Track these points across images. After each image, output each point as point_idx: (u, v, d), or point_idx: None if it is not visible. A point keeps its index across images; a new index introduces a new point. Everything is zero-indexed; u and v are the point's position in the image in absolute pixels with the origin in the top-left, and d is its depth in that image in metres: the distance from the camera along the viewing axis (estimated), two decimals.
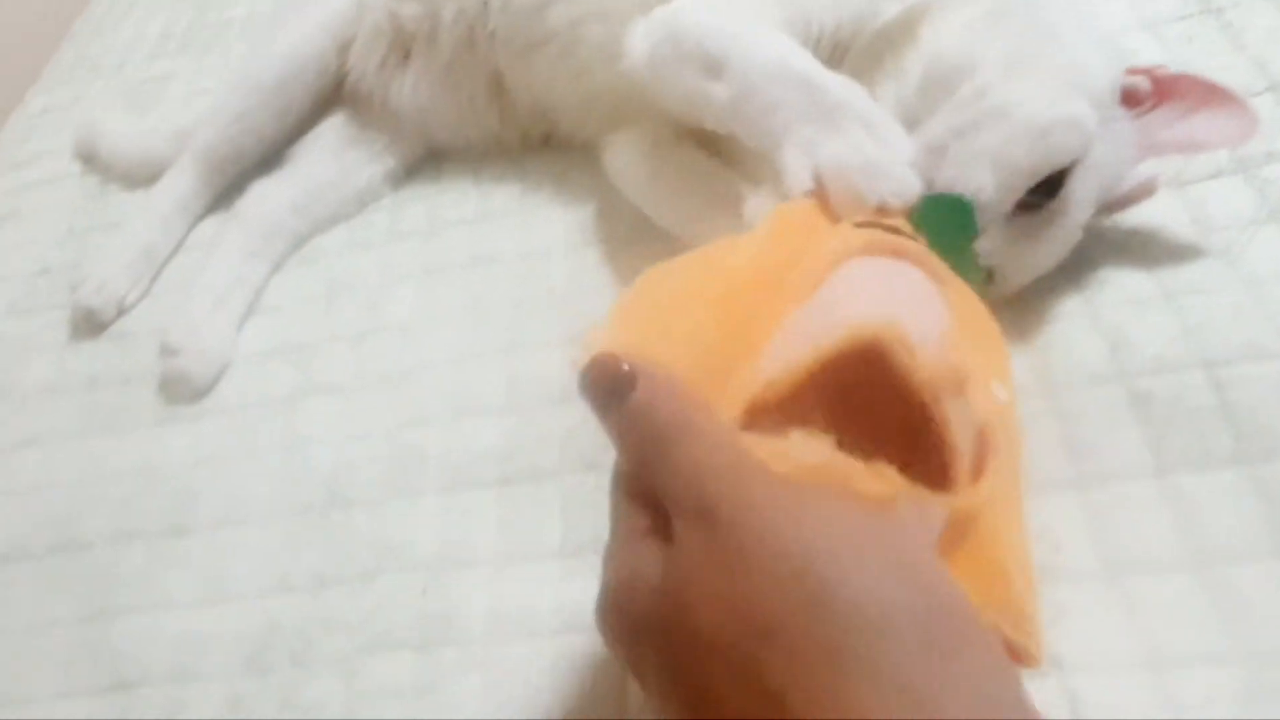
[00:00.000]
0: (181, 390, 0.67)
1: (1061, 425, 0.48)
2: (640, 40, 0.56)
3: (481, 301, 0.66)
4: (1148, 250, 0.53)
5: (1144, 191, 0.52)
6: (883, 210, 0.44)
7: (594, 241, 0.68)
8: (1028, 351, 0.51)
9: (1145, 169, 0.52)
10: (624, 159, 0.67)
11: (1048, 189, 0.48)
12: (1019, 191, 0.47)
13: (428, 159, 0.79)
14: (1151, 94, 0.51)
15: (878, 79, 0.54)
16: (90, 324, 0.73)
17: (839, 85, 0.49)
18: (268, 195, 0.76)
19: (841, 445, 0.32)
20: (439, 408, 0.60)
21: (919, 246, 0.42)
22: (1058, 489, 0.46)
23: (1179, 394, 0.47)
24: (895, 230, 0.43)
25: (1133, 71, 0.52)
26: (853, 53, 0.57)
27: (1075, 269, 0.53)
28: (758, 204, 0.53)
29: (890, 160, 0.45)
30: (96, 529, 0.61)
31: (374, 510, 0.57)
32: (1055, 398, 0.49)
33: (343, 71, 0.76)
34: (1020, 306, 0.53)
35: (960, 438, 0.34)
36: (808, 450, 0.31)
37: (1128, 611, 0.42)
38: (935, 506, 0.32)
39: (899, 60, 0.54)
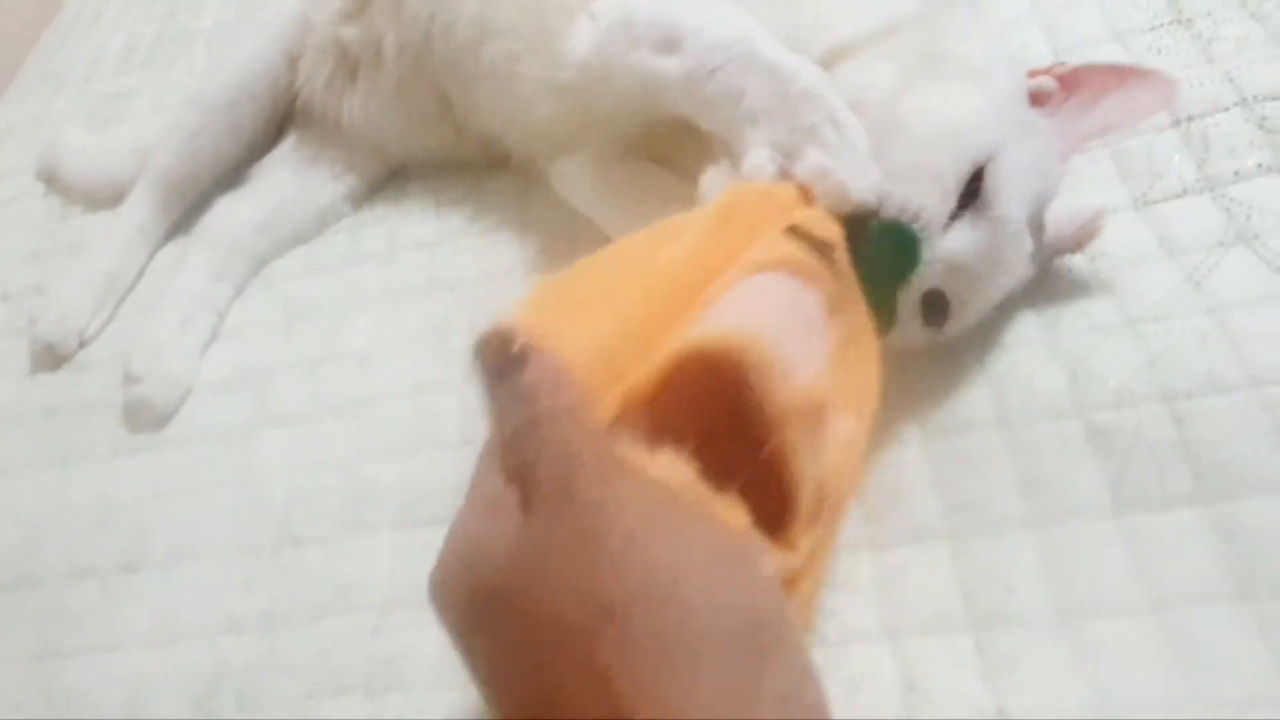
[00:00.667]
0: (144, 418, 0.66)
1: (1017, 460, 0.47)
2: (586, 33, 0.55)
3: (440, 329, 0.65)
4: (1112, 273, 0.52)
5: (1091, 230, 0.51)
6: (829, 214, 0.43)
7: (554, 265, 0.66)
8: (985, 381, 0.50)
9: (1087, 205, 0.52)
10: (571, 171, 0.65)
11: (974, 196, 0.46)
12: (951, 195, 0.46)
13: (390, 179, 0.78)
14: (1060, 90, 0.51)
15: None
16: (51, 357, 0.72)
17: (804, 70, 0.47)
18: (231, 214, 0.75)
19: (704, 468, 0.33)
20: (395, 440, 0.59)
21: (829, 271, 0.41)
22: (1012, 527, 0.45)
23: (1139, 429, 0.46)
24: (826, 245, 0.42)
25: (1033, 74, 0.52)
26: None
27: (1036, 293, 0.52)
28: (715, 176, 0.49)
29: (857, 159, 0.44)
30: (50, 565, 0.61)
31: (326, 547, 0.56)
32: (1012, 431, 0.47)
33: (294, 88, 0.75)
34: (978, 332, 0.52)
35: (803, 473, 0.35)
36: (672, 471, 0.32)
37: (1081, 659, 0.41)
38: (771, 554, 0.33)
39: None
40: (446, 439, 0.58)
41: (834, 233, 0.43)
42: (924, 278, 0.46)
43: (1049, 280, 0.52)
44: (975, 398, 0.49)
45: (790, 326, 0.38)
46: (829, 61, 0.51)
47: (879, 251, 0.44)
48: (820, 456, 0.36)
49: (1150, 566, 0.42)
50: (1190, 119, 0.57)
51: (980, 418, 0.48)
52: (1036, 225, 0.49)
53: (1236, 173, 0.54)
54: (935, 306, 0.48)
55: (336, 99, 0.74)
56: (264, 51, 0.75)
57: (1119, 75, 0.50)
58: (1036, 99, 0.51)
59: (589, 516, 0.29)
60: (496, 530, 0.31)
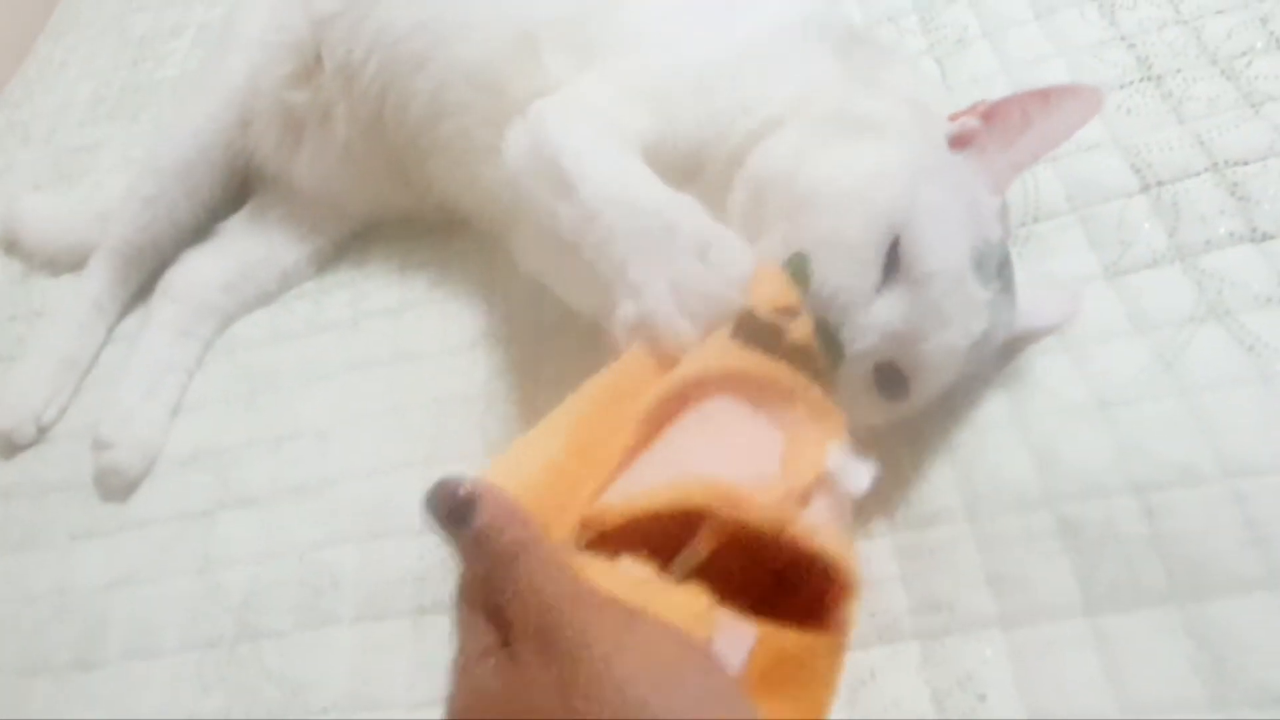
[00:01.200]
0: (113, 484, 0.65)
1: (986, 555, 0.45)
2: (511, 145, 0.53)
3: (402, 403, 0.63)
4: (1082, 348, 0.51)
5: (1069, 311, 0.50)
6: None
7: (518, 335, 0.65)
8: (952, 464, 0.49)
9: (1060, 280, 0.51)
10: (526, 244, 0.64)
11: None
12: (871, 265, 0.44)
13: (354, 241, 0.76)
14: (984, 126, 0.50)
15: (727, 201, 0.51)
16: (8, 446, 0.70)
17: (672, 207, 0.45)
18: (198, 271, 0.74)
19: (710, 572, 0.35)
20: (354, 526, 0.58)
21: (762, 369, 0.39)
22: (982, 627, 0.44)
23: (1109, 522, 0.44)
24: (774, 329, 0.41)
25: (954, 117, 0.51)
26: (707, 173, 0.53)
27: (1003, 369, 0.51)
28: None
29: (712, 284, 0.42)
30: (5, 660, 0.59)
31: (284, 643, 0.54)
32: (980, 524, 0.46)
33: (249, 151, 0.74)
34: (945, 412, 0.50)
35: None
36: (633, 571, 0.34)
37: None
38: (745, 630, 0.34)
39: (734, 184, 0.51)
40: (408, 523, 0.57)
41: (786, 307, 0.42)
42: (864, 354, 0.44)
43: (1018, 354, 0.51)
44: (943, 486, 0.48)
45: (741, 450, 0.38)
46: (751, 145, 0.50)
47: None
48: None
49: (1122, 672, 0.41)
50: (1160, 184, 0.56)
51: (948, 509, 0.47)
52: (988, 267, 0.46)
53: (1208, 241, 0.53)
54: (890, 379, 0.46)
55: (286, 161, 0.73)
56: (217, 115, 0.73)
57: (1042, 97, 0.49)
58: (960, 141, 0.50)
59: (568, 663, 0.30)
60: (488, 676, 0.32)
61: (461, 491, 0.34)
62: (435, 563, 0.55)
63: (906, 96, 0.51)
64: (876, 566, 0.47)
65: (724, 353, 0.40)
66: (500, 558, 0.33)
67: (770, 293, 0.42)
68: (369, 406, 0.64)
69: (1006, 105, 0.49)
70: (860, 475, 0.38)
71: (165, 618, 0.58)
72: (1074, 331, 0.51)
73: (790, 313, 0.42)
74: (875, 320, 0.44)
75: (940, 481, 0.48)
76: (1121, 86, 0.62)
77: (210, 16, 1.08)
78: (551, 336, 0.64)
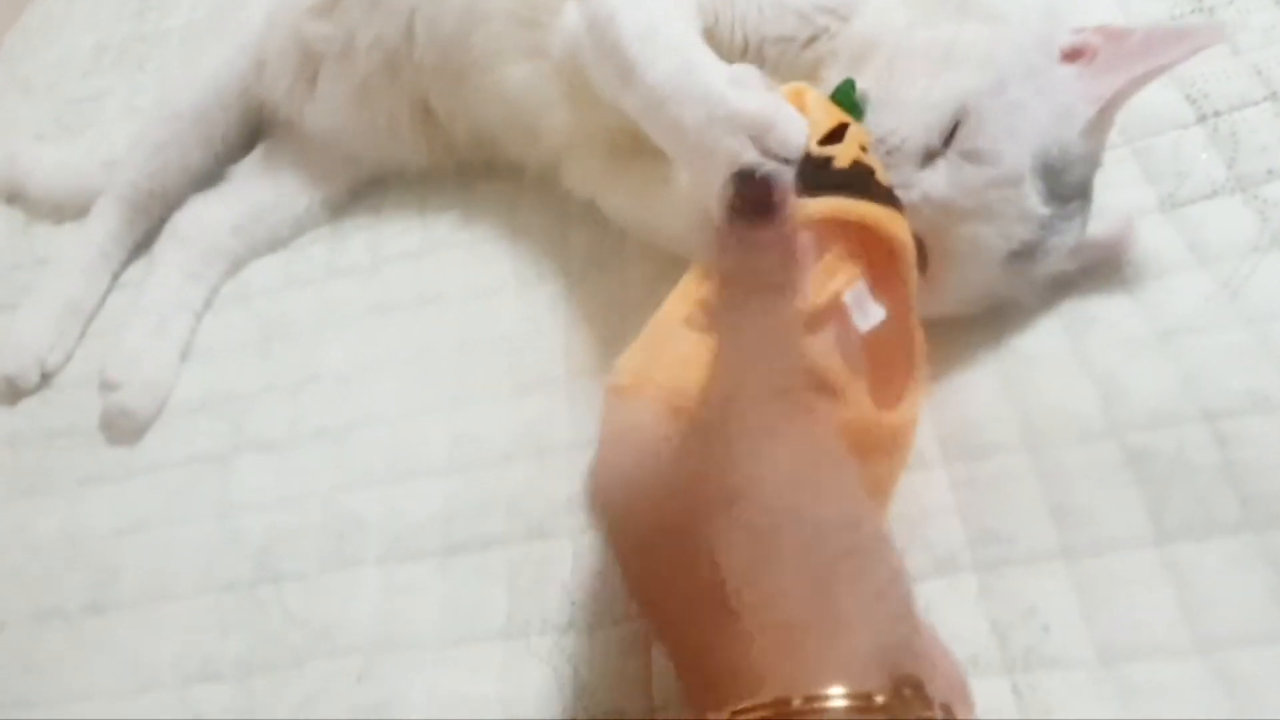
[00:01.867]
0: (123, 426, 0.63)
1: (1048, 487, 0.43)
2: (569, 24, 0.53)
3: (426, 348, 0.61)
4: (1140, 282, 0.49)
5: (1123, 242, 0.49)
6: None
7: (546, 276, 0.63)
8: (1010, 399, 0.46)
9: (1114, 210, 0.49)
10: (585, 178, 0.62)
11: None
12: (934, 128, 0.44)
13: (371, 184, 0.74)
14: (1103, 46, 0.47)
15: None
16: (12, 391, 0.68)
17: (737, 93, 0.43)
18: (205, 214, 0.71)
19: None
20: (378, 468, 0.56)
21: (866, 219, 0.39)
22: (1045, 559, 0.42)
23: (1179, 451, 0.42)
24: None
25: (1079, 31, 0.48)
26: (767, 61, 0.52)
27: (1060, 301, 0.49)
28: None
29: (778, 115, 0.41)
30: (14, 607, 0.57)
31: (307, 585, 0.52)
32: (1041, 455, 0.44)
33: (262, 95, 0.72)
34: (1000, 345, 0.49)
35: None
36: (824, 358, 0.36)
37: (1126, 706, 0.38)
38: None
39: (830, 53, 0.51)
40: (434, 467, 0.55)
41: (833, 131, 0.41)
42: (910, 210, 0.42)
43: (1072, 287, 0.49)
44: (1000, 417, 0.46)
45: None
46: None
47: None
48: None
49: (1196, 603, 0.39)
50: (1218, 114, 0.54)
51: (1006, 440, 0.45)
52: (1058, 180, 0.45)
53: (1269, 171, 0.51)
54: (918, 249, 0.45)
55: (299, 104, 0.70)
56: (233, 58, 0.71)
57: (1174, 31, 0.47)
58: (1074, 54, 0.48)
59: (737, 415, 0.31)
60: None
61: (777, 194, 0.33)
62: (462, 505, 0.53)
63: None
64: (930, 497, 0.45)
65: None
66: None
67: (818, 117, 0.42)
68: (391, 351, 0.62)
69: (1130, 32, 0.47)
70: (872, 314, 0.38)
71: (181, 563, 0.55)
72: (1131, 265, 0.49)
73: (836, 138, 0.41)
74: (920, 180, 0.44)
75: (997, 413, 0.46)
76: (1172, 18, 0.60)
77: None
78: (580, 278, 0.62)
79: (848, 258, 0.38)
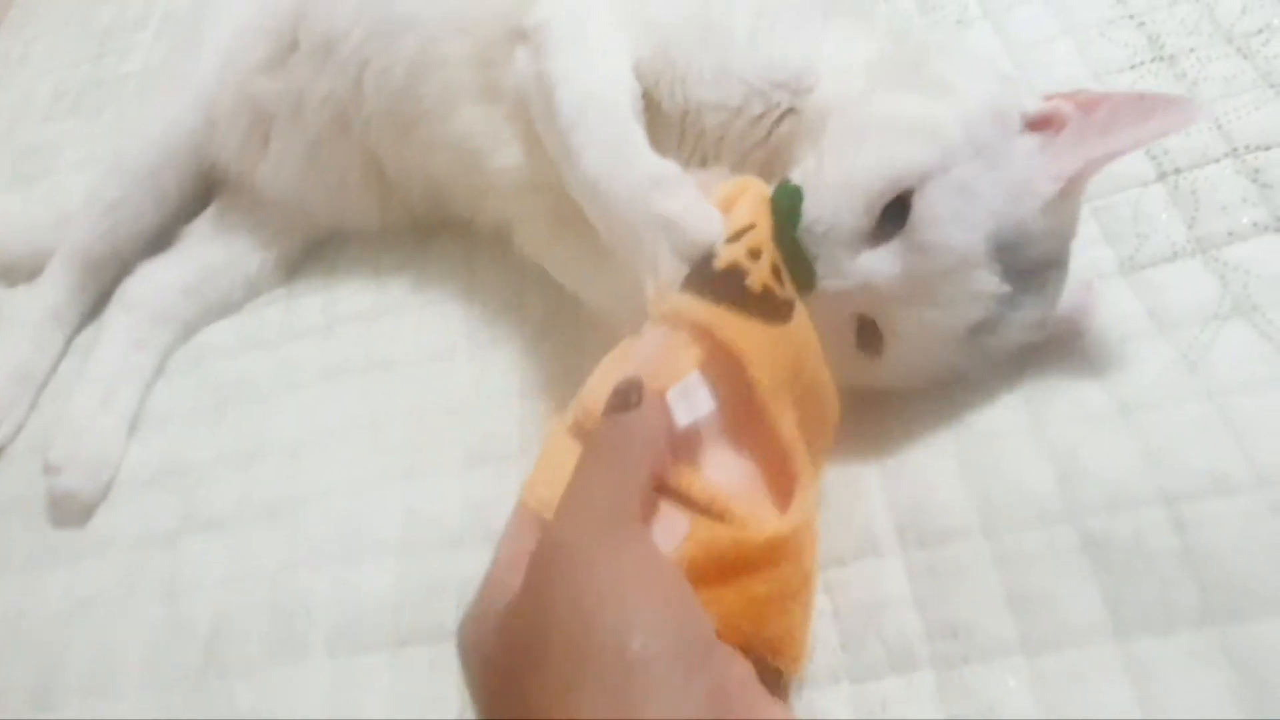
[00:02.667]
0: (70, 509, 0.62)
1: (1007, 575, 0.42)
2: (520, 71, 0.54)
3: (379, 416, 0.60)
4: (1100, 351, 0.48)
5: (1084, 312, 0.47)
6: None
7: (501, 340, 0.61)
8: (964, 476, 0.45)
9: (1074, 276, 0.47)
10: (534, 236, 0.61)
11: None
12: (864, 207, 0.43)
13: (326, 242, 0.73)
14: (1076, 114, 0.45)
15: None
16: None
17: (657, 190, 0.44)
18: (155, 278, 0.70)
19: None
20: (328, 547, 0.54)
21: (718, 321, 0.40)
22: (1004, 654, 0.41)
23: (1138, 536, 0.41)
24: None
25: (1050, 97, 0.46)
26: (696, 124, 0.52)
27: (1018, 372, 0.48)
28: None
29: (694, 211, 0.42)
30: None
31: (254, 678, 0.51)
32: (999, 540, 0.43)
33: (214, 152, 0.70)
34: (957, 421, 0.47)
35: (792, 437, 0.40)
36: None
37: None
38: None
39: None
40: (385, 546, 0.53)
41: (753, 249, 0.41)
42: (840, 296, 0.43)
43: (1031, 357, 0.48)
44: (956, 499, 0.45)
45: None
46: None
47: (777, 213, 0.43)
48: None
49: (1156, 701, 0.38)
50: (1178, 171, 0.53)
51: (963, 525, 0.44)
52: (1015, 258, 0.43)
53: (1230, 233, 0.50)
54: (869, 331, 0.45)
55: (250, 165, 0.69)
56: (183, 116, 0.69)
57: (1149, 100, 0.44)
58: (1046, 121, 0.45)
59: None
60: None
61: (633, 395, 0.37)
62: (413, 589, 0.51)
63: (981, 65, 0.48)
64: (887, 586, 0.44)
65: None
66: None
67: (739, 216, 0.42)
68: (343, 419, 0.61)
69: (1104, 99, 0.45)
70: (700, 406, 0.39)
71: (128, 651, 0.54)
72: (1092, 334, 0.48)
73: (754, 254, 0.41)
74: (859, 267, 0.43)
75: (953, 495, 0.45)
76: (1132, 67, 0.59)
77: (175, 5, 1.03)
78: (537, 340, 0.60)
79: (692, 353, 0.39)
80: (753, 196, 0.42)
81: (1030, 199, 0.43)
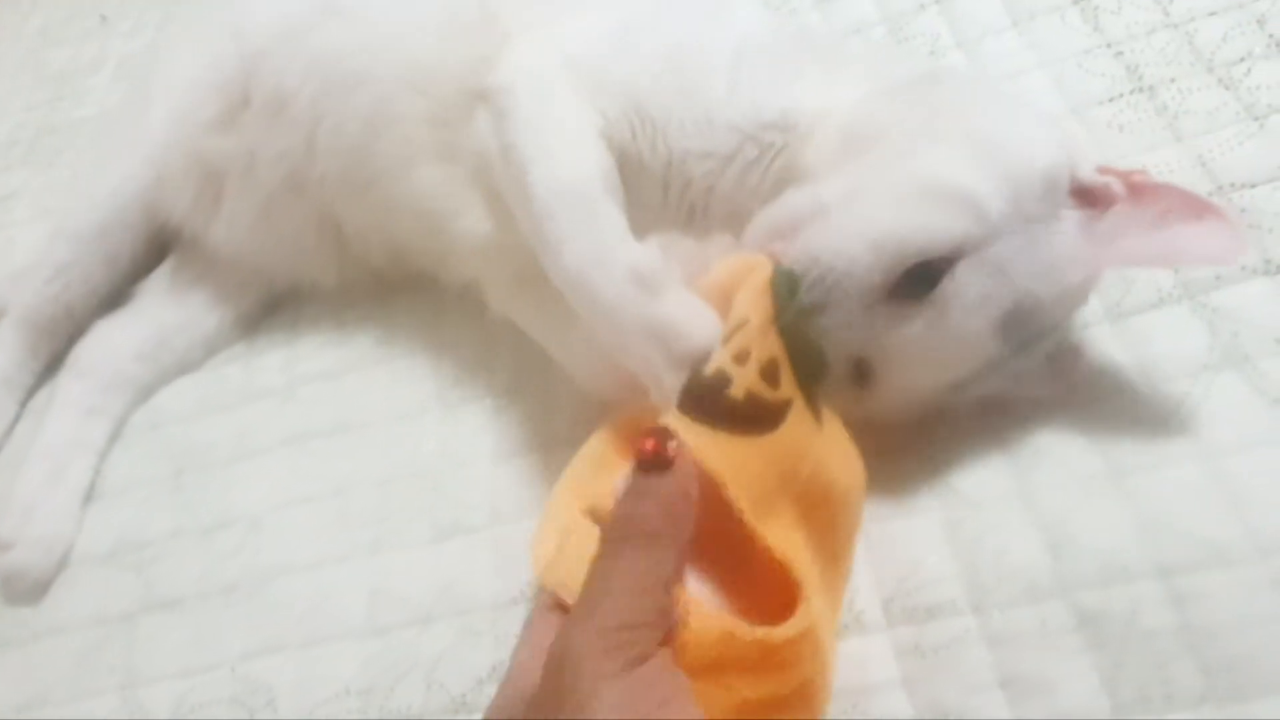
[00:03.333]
0: (21, 587, 0.59)
1: (999, 655, 0.40)
2: (481, 139, 0.52)
3: (344, 484, 0.57)
4: (1088, 409, 0.46)
5: (1069, 368, 0.46)
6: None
7: (470, 398, 0.59)
8: (952, 547, 0.43)
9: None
10: (501, 294, 0.59)
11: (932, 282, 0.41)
12: (887, 269, 0.41)
13: (288, 296, 0.70)
14: (1126, 198, 0.43)
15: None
16: None
17: (643, 293, 0.42)
18: (107, 342, 0.67)
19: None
20: (291, 629, 0.52)
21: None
22: None
23: (1133, 613, 0.39)
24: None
25: (1105, 171, 0.44)
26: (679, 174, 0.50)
27: (1004, 433, 0.46)
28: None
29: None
30: None
31: None
32: (989, 617, 0.41)
33: (165, 210, 0.68)
34: (942, 485, 0.45)
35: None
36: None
37: None
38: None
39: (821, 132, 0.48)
40: (351, 627, 0.51)
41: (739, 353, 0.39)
42: (844, 344, 0.42)
43: (1017, 416, 0.46)
44: (943, 572, 0.43)
45: None
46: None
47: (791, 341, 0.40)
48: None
49: None
50: None
51: (951, 600, 0.42)
52: (1021, 331, 0.42)
53: (1217, 277, 0.48)
54: (861, 369, 0.44)
55: (204, 223, 0.66)
56: (134, 174, 0.67)
57: (1198, 208, 0.41)
58: (1092, 197, 0.43)
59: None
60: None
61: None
62: (381, 670, 0.49)
63: (1051, 125, 0.45)
64: (874, 669, 0.41)
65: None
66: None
67: (740, 311, 0.40)
68: (307, 487, 0.58)
69: (1157, 191, 0.42)
70: None
71: None
72: (1078, 389, 0.46)
73: (741, 357, 0.38)
74: (870, 324, 0.42)
75: (940, 568, 0.43)
76: (1111, 99, 0.57)
77: (130, 48, 1.01)
78: (507, 400, 0.58)
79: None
80: (752, 286, 0.40)
81: (1056, 282, 0.42)
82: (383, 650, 0.50)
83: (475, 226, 0.56)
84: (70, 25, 1.09)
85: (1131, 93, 0.57)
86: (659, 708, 0.31)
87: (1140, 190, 0.43)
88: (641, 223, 0.46)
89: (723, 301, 0.41)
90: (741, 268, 0.42)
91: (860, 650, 0.42)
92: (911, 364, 0.42)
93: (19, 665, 0.56)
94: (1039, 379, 0.46)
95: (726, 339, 0.38)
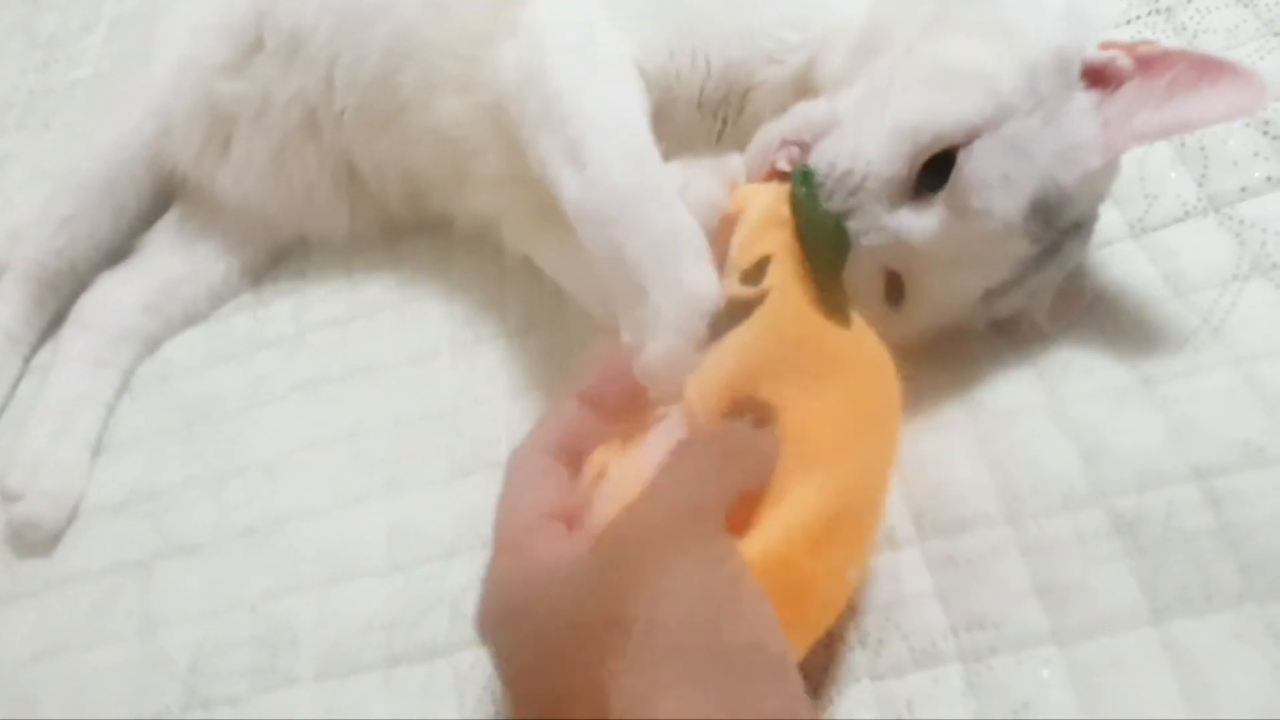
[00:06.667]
0: (33, 538, 0.58)
1: (1034, 563, 0.40)
2: (508, 60, 0.50)
3: (358, 427, 0.57)
4: (1115, 322, 0.45)
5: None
6: None
7: (484, 338, 0.58)
8: (986, 464, 0.43)
9: None
10: (518, 228, 0.58)
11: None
12: (907, 159, 0.40)
13: (295, 244, 0.69)
14: (1135, 73, 0.42)
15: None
16: None
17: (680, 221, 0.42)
18: (113, 295, 0.66)
19: None
20: (311, 570, 0.51)
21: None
22: (1035, 645, 0.38)
23: (1169, 516, 0.39)
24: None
25: (1108, 46, 0.43)
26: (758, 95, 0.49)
27: (1029, 348, 0.45)
28: None
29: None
30: None
31: (240, 711, 0.48)
32: (1023, 526, 0.41)
33: (172, 159, 0.66)
34: (972, 400, 0.45)
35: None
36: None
37: None
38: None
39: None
40: (371, 566, 0.50)
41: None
42: (874, 251, 0.41)
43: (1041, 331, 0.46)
44: (975, 485, 0.42)
45: None
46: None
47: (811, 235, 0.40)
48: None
49: (1201, 686, 0.36)
50: None
51: (984, 512, 0.41)
52: (1049, 218, 0.41)
53: (1243, 189, 0.48)
54: (892, 286, 0.43)
55: (209, 172, 0.65)
56: (139, 123, 0.65)
57: (1210, 68, 0.40)
58: (1101, 75, 0.42)
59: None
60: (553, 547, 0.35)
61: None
62: (404, 604, 0.48)
63: (1062, 5, 0.44)
64: (906, 581, 0.41)
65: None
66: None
67: (760, 208, 0.40)
68: (320, 432, 0.57)
69: (1166, 60, 0.41)
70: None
71: (103, 691, 0.50)
72: (1102, 298, 0.46)
73: (759, 272, 0.39)
74: (896, 223, 0.41)
75: (972, 480, 0.42)
76: (1129, 21, 0.57)
77: (123, 9, 0.98)
78: (520, 337, 0.58)
79: None
80: (764, 196, 0.40)
81: (1077, 166, 0.41)
82: (405, 586, 0.49)
83: (496, 159, 0.55)
84: None
85: (1149, 14, 0.57)
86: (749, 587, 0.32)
87: (1148, 61, 0.42)
88: (668, 146, 0.46)
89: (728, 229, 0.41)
90: (749, 194, 0.42)
91: (892, 564, 0.41)
92: (943, 266, 0.41)
93: (34, 615, 0.55)
94: (1049, 308, 0.45)
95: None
